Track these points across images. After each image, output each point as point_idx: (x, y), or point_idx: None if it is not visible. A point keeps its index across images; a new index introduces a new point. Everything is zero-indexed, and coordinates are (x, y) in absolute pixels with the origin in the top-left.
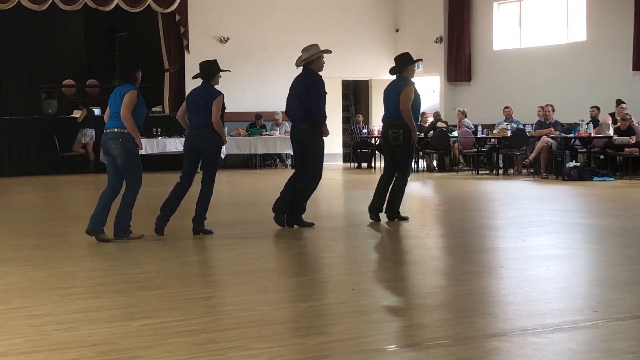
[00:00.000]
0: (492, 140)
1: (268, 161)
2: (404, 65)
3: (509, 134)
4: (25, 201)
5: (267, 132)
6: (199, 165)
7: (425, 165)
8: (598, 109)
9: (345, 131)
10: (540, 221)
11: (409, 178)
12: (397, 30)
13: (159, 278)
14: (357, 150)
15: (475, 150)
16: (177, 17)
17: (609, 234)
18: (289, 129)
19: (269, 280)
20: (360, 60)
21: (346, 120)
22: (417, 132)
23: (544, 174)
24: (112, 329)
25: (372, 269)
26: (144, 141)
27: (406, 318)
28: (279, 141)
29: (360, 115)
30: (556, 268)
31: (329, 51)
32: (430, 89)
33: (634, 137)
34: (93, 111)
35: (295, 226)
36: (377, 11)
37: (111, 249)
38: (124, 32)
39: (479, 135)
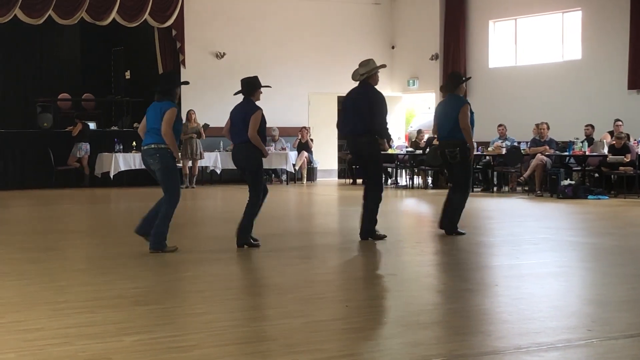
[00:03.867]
0: (487, 157)
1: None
2: (456, 83)
3: (503, 151)
4: (20, 215)
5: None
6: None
7: (420, 182)
8: (593, 127)
9: (340, 147)
10: (535, 239)
11: (468, 195)
12: (393, 47)
13: (153, 293)
14: (352, 167)
15: None
16: (174, 32)
17: (604, 253)
18: (285, 145)
19: (263, 296)
20: None
21: (342, 136)
22: (413, 149)
23: (538, 192)
24: (105, 344)
25: (366, 286)
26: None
27: (400, 335)
28: (275, 157)
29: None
30: (550, 286)
31: (384, 66)
32: (426, 106)
33: (628, 156)
34: (88, 125)
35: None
36: (373, 28)
37: (105, 263)
38: (120, 47)
39: (474, 152)
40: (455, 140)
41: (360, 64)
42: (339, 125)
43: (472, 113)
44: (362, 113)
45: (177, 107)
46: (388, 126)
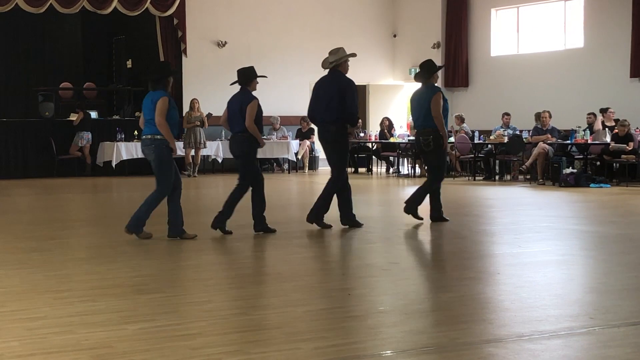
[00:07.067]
0: (489, 146)
1: (265, 165)
2: (430, 72)
3: (505, 139)
4: (22, 204)
5: (264, 137)
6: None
7: (419, 171)
8: (595, 115)
9: None
10: (537, 227)
11: (441, 182)
12: (394, 36)
13: (155, 282)
14: (354, 155)
15: (472, 156)
16: (175, 21)
17: (606, 241)
18: (286, 134)
19: (266, 285)
20: (357, 65)
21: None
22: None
23: (540, 180)
24: (108, 332)
25: (368, 275)
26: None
27: (402, 323)
28: (276, 146)
29: (360, 121)
30: (552, 274)
31: (354, 55)
32: None
33: (631, 144)
34: (90, 114)
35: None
36: (375, 16)
37: (108, 252)
38: (121, 36)
39: (476, 141)
40: (428, 128)
41: (330, 52)
42: (309, 114)
43: (445, 101)
44: (332, 101)
45: (170, 96)
46: (358, 113)
